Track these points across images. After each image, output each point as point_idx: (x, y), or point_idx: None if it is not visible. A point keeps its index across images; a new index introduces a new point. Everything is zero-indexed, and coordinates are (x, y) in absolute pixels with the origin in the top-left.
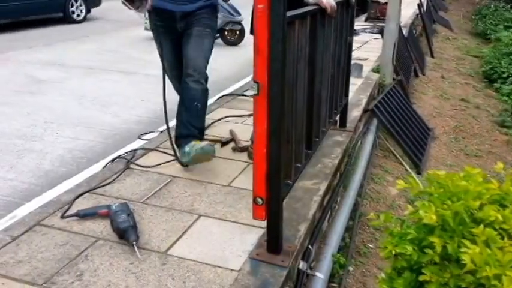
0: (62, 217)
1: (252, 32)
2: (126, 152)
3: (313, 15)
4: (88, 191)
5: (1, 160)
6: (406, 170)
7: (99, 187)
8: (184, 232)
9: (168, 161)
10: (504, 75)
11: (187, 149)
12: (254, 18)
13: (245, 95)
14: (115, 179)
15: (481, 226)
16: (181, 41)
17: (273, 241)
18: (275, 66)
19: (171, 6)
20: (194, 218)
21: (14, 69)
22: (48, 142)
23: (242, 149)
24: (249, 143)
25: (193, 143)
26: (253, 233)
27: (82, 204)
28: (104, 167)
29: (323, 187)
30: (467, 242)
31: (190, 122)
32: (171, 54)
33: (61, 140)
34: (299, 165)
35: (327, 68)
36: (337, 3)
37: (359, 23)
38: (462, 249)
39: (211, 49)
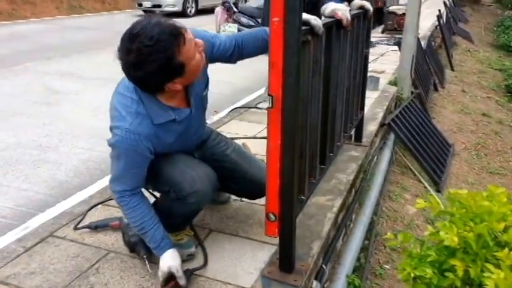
0: (75, 229)
1: None
2: None
3: (328, 27)
4: (101, 203)
5: (17, 170)
6: (425, 187)
7: (111, 199)
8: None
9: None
10: None
11: None
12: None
13: (258, 108)
14: None
15: (506, 250)
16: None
17: (286, 259)
18: (289, 80)
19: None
20: (205, 232)
21: (31, 79)
22: (63, 153)
23: None
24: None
25: None
26: (265, 250)
27: (95, 216)
28: None
29: (337, 204)
30: (490, 266)
31: None
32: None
33: (76, 151)
34: (313, 180)
35: (342, 81)
36: (353, 15)
37: (375, 35)
38: (485, 274)
39: None
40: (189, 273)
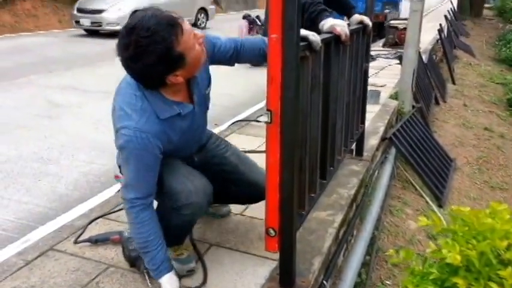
0: (75, 242)
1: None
2: None
3: (327, 43)
4: (101, 216)
5: (18, 183)
6: (427, 202)
7: (112, 212)
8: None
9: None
10: None
11: None
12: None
13: (259, 121)
14: None
15: (509, 268)
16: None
17: (286, 275)
18: (288, 95)
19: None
20: (205, 247)
21: (34, 92)
22: (64, 166)
23: None
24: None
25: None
26: (266, 265)
27: (95, 230)
28: (117, 191)
29: (338, 219)
30: (493, 285)
31: None
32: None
33: (76, 163)
34: (313, 195)
35: (342, 95)
36: (353, 30)
37: (376, 48)
38: None
39: None
40: None
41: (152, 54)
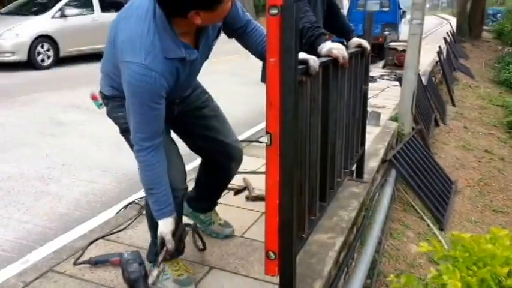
0: (75, 264)
1: (262, 79)
2: (140, 198)
3: (325, 66)
4: (101, 237)
5: (18, 202)
6: (428, 225)
7: (112, 233)
8: (195, 285)
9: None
10: None
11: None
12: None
13: (260, 142)
14: (128, 225)
15: None
16: (184, 124)
17: None
18: (287, 118)
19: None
20: (205, 270)
21: (37, 110)
22: (65, 185)
23: (256, 198)
24: (262, 192)
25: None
26: None
27: (95, 251)
28: (118, 212)
29: (339, 242)
30: None
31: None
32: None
33: (77, 183)
34: (313, 217)
35: (341, 117)
36: (351, 53)
37: (376, 70)
38: None
39: None
40: None
41: None
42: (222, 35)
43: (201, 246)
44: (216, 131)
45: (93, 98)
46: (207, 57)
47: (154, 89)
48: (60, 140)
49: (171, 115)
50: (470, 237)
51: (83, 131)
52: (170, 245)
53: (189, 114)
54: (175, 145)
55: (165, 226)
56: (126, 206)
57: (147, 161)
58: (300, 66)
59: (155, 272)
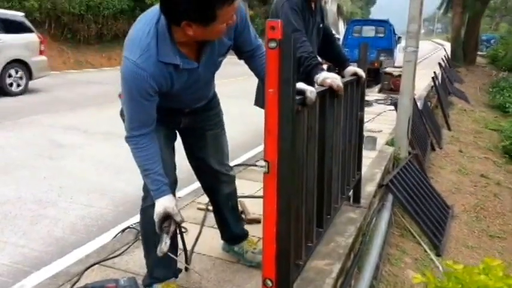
0: None
1: (256, 103)
2: (137, 223)
3: (322, 95)
4: (97, 263)
5: (15, 225)
6: (425, 251)
7: (108, 259)
8: None
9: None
10: None
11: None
12: (264, 97)
13: (256, 165)
14: (124, 251)
15: None
16: (186, 138)
17: None
18: (285, 146)
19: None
20: None
21: (36, 132)
22: (62, 208)
23: (251, 221)
24: (258, 216)
25: (246, 244)
26: None
27: (91, 276)
28: (114, 237)
29: (336, 268)
30: None
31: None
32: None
33: (74, 206)
34: (310, 244)
35: (337, 144)
36: (347, 82)
37: (372, 94)
38: None
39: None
40: None
41: None
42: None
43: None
44: (209, 156)
45: (120, 96)
46: (213, 72)
47: (142, 86)
48: (59, 163)
49: (177, 127)
50: (462, 268)
51: (81, 154)
52: (178, 217)
53: (192, 133)
54: (171, 151)
55: (168, 201)
56: (123, 230)
57: (138, 144)
58: (298, 97)
59: (164, 244)
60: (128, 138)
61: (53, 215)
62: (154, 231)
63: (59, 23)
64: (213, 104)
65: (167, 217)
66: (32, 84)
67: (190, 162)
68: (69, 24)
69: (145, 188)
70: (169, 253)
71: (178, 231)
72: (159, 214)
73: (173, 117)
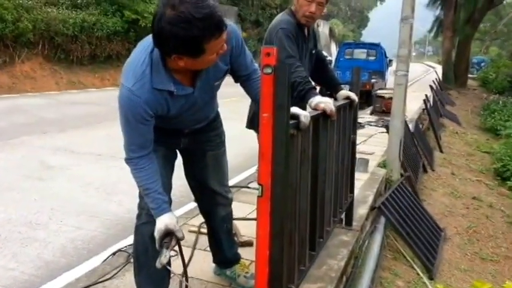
0: None
1: (247, 126)
2: (128, 245)
3: (315, 119)
4: (87, 287)
5: (4, 248)
6: (418, 274)
7: (98, 282)
8: None
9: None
10: None
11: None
12: (258, 121)
13: (249, 187)
14: (115, 274)
15: None
16: (187, 158)
17: None
18: (278, 170)
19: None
20: None
21: (26, 153)
22: (52, 231)
23: (243, 244)
24: (250, 238)
25: (239, 268)
26: None
27: None
28: (105, 260)
29: None
30: None
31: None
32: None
33: (65, 228)
34: (303, 267)
35: (330, 167)
36: (340, 106)
37: (364, 116)
38: None
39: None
40: None
41: (182, 31)
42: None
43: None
44: (209, 177)
45: None
46: (211, 96)
47: (137, 111)
48: (49, 184)
49: (177, 147)
50: None
51: (71, 175)
52: (180, 233)
53: (192, 153)
54: (169, 172)
55: (169, 218)
56: (114, 253)
57: (137, 165)
58: (292, 121)
59: (164, 256)
60: (127, 160)
61: (43, 237)
62: (146, 249)
63: (53, 44)
64: (215, 125)
65: (168, 234)
66: (21, 104)
67: (189, 182)
68: (62, 45)
69: (140, 206)
70: (167, 266)
71: (178, 249)
72: (160, 231)
73: (173, 138)
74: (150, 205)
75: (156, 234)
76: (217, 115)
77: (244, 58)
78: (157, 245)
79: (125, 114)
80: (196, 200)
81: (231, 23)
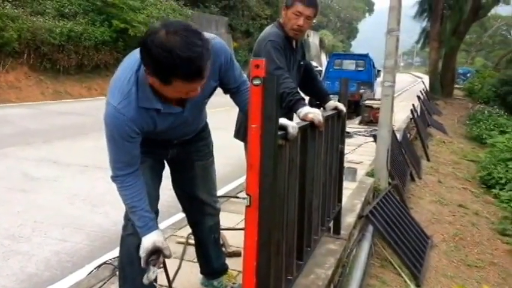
0: None
1: (235, 135)
2: (113, 258)
3: (303, 130)
4: None
5: None
6: (405, 281)
7: None
8: None
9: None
10: (502, 181)
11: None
12: (245, 131)
13: (238, 197)
14: (100, 287)
15: None
16: (175, 168)
17: None
18: (266, 180)
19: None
20: None
21: (10, 165)
22: (36, 244)
23: (231, 254)
24: (238, 249)
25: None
26: None
27: None
28: (90, 273)
29: None
30: None
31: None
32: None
33: (48, 241)
34: (290, 277)
35: (318, 176)
36: (328, 116)
37: (353, 125)
38: None
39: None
40: None
41: (161, 57)
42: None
43: None
44: (197, 187)
45: None
46: (200, 110)
47: (123, 130)
48: (32, 196)
49: (165, 158)
50: None
51: (55, 187)
52: (167, 251)
53: (180, 164)
54: (156, 183)
55: (157, 235)
56: (99, 266)
57: (123, 183)
58: (280, 132)
59: (152, 272)
60: (113, 178)
61: (26, 250)
62: (131, 261)
63: (39, 53)
64: (203, 135)
65: (155, 251)
66: (5, 115)
67: (176, 192)
68: (48, 54)
69: (126, 217)
70: (154, 283)
71: (163, 266)
72: (147, 249)
73: (161, 149)
74: (136, 223)
75: (143, 253)
76: (206, 125)
77: (233, 72)
78: (142, 263)
79: (110, 133)
80: (184, 210)
81: (219, 40)
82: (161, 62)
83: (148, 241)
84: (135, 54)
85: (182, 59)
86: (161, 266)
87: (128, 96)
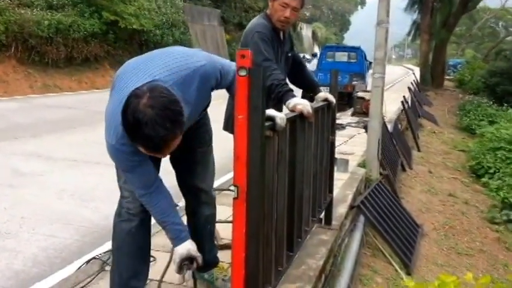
0: None
1: (224, 128)
2: (103, 253)
3: (292, 121)
4: None
5: None
6: (396, 270)
7: None
8: None
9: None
10: (491, 171)
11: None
12: (234, 123)
13: (231, 190)
14: (88, 282)
15: None
16: (174, 155)
17: None
18: (254, 171)
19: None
20: None
21: None
22: (23, 240)
23: (223, 247)
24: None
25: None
26: None
27: None
28: (78, 268)
29: None
30: None
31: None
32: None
33: (36, 237)
34: (280, 268)
35: (308, 167)
36: (318, 107)
37: (345, 117)
38: None
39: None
40: None
41: (129, 117)
42: None
43: None
44: (195, 175)
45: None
46: (199, 115)
47: (125, 158)
48: (20, 192)
49: None
50: (414, 285)
51: (44, 182)
52: (200, 259)
53: (180, 150)
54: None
55: (191, 244)
56: (88, 261)
57: (150, 202)
58: (268, 123)
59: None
60: (140, 198)
61: (13, 247)
62: (119, 246)
63: (26, 46)
64: (203, 121)
65: (188, 258)
66: None
67: (177, 177)
68: (37, 47)
69: (121, 205)
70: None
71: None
72: (181, 255)
73: None
74: (168, 235)
75: (178, 259)
76: (206, 112)
77: (226, 77)
78: (175, 268)
79: (118, 163)
80: (184, 196)
81: (210, 65)
82: (127, 125)
83: (183, 249)
84: (125, 90)
85: (143, 134)
86: (191, 268)
87: (123, 136)
